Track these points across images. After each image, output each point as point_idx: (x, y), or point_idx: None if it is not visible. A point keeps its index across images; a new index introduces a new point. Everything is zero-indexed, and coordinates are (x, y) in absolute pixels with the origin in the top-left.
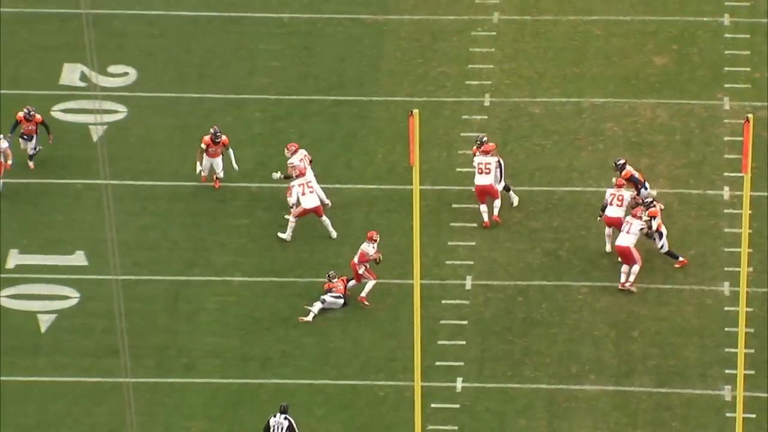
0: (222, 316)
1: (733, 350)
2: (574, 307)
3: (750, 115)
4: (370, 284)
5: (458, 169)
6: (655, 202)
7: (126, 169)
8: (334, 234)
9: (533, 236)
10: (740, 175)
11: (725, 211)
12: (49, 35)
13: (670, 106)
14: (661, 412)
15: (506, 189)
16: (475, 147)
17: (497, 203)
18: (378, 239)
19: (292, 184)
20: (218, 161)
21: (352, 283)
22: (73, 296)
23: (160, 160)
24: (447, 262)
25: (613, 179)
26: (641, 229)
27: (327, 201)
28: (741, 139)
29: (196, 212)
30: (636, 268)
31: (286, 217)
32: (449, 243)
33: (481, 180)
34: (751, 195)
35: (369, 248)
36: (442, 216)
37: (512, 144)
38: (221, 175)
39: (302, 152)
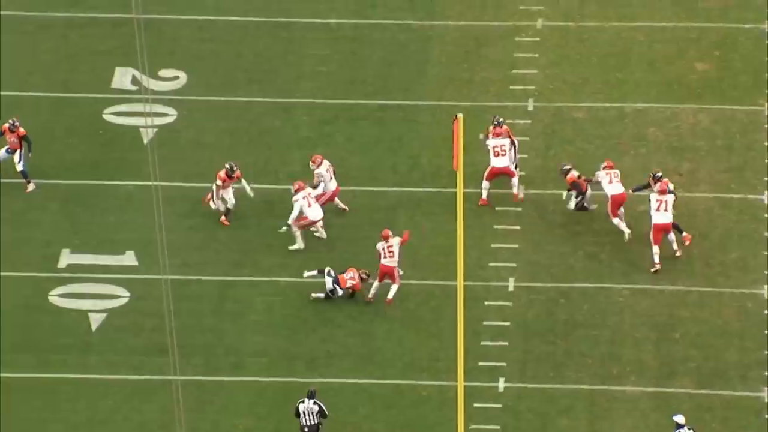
0: (269, 316)
1: None
2: (616, 309)
3: None
4: (395, 287)
5: None
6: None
7: (176, 171)
8: (324, 236)
9: (575, 239)
10: None
11: (766, 215)
12: (101, 40)
13: (712, 112)
14: (702, 414)
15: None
16: (492, 127)
17: (515, 181)
18: (392, 237)
19: (295, 198)
20: (229, 192)
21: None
22: (123, 295)
23: (209, 162)
24: (490, 264)
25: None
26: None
27: (343, 206)
28: None
29: (243, 214)
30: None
31: (288, 227)
32: (492, 245)
33: (498, 162)
34: None
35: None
36: (485, 218)
37: (555, 148)
38: (231, 205)
39: (326, 163)
